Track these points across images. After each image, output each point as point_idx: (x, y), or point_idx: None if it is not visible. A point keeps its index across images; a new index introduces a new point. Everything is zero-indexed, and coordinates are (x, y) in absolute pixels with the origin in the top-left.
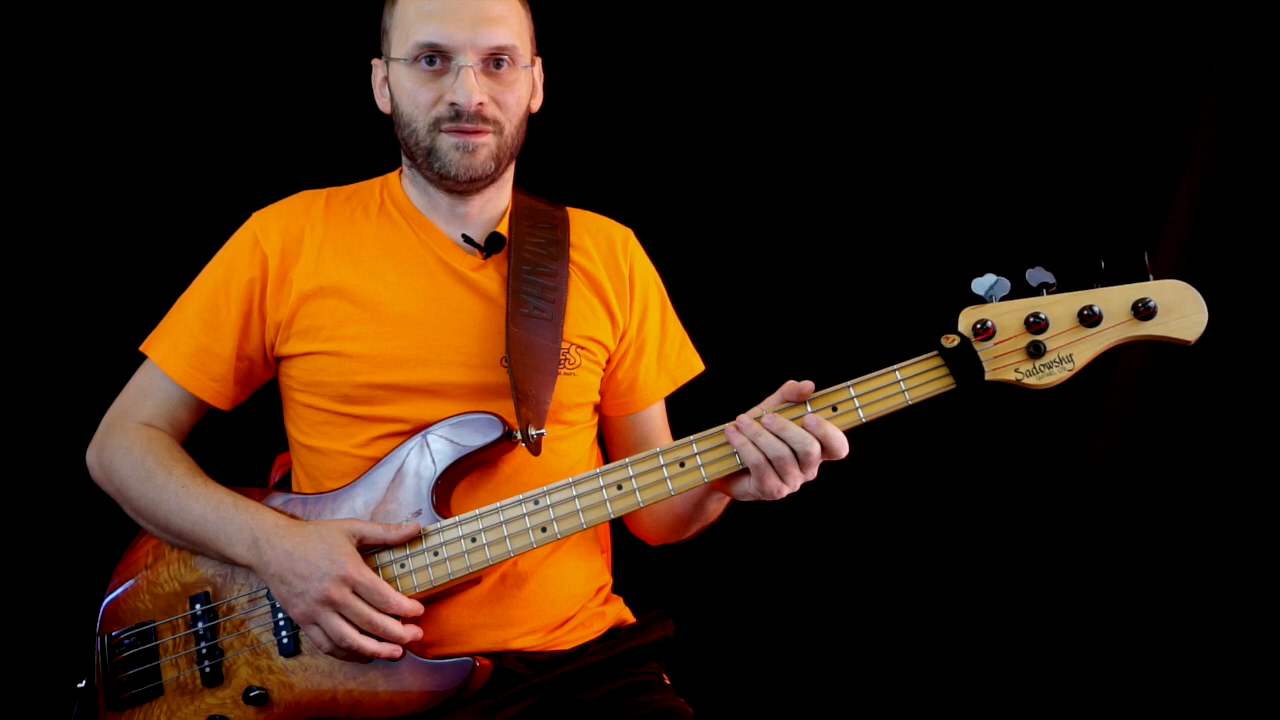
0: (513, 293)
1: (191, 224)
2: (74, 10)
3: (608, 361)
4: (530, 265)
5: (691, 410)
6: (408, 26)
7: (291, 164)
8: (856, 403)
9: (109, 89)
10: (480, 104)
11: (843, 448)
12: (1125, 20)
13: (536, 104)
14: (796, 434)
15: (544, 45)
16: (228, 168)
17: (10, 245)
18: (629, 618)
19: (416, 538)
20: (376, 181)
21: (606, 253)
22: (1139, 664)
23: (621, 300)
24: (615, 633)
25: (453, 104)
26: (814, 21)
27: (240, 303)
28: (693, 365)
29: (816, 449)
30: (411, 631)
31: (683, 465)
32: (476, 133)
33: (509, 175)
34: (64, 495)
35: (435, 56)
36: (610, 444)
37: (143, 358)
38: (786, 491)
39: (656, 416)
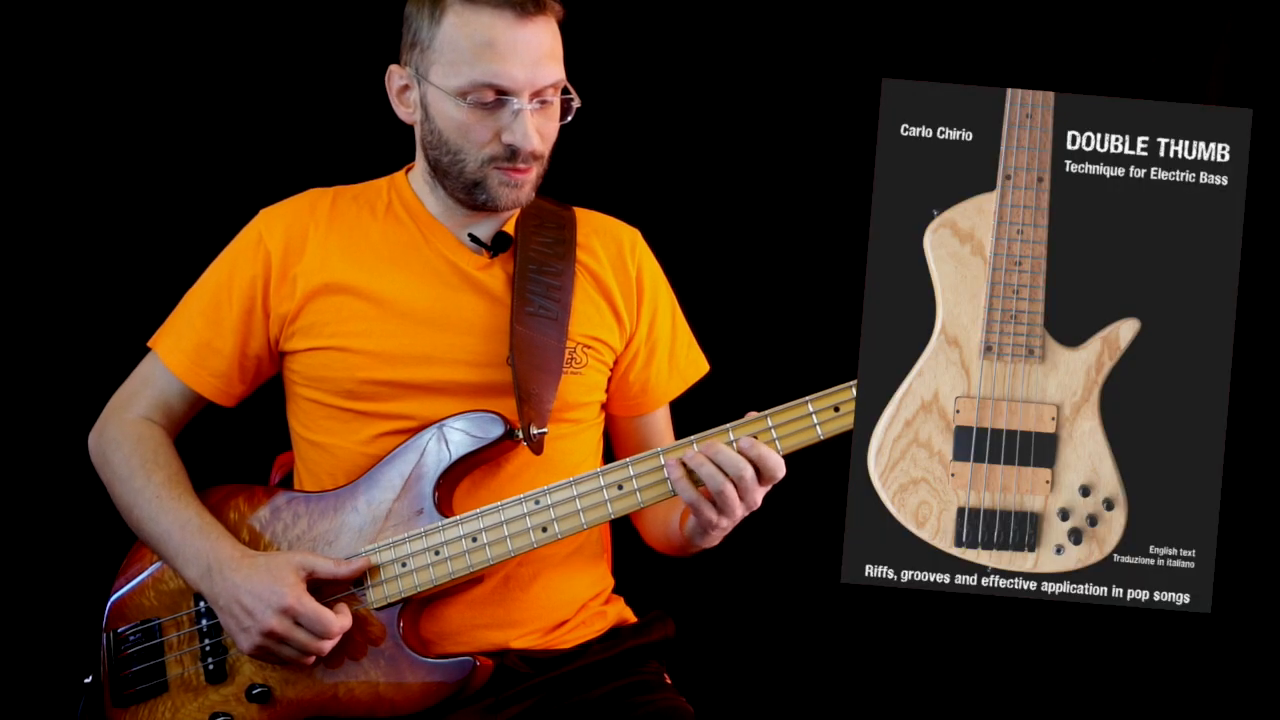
0: (518, 292)
1: (204, 221)
2: (88, 8)
3: (615, 363)
4: (536, 265)
5: (697, 411)
6: (459, 56)
7: (304, 162)
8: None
9: (125, 89)
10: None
11: (779, 469)
12: (1124, 21)
13: None
14: (729, 457)
15: None
16: (240, 165)
17: (23, 243)
18: (630, 618)
19: (366, 571)
20: (384, 181)
21: (614, 254)
22: (1136, 663)
23: (628, 302)
24: (616, 632)
25: (509, 144)
26: (824, 22)
27: (243, 299)
28: (700, 366)
29: (750, 472)
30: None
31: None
32: (527, 170)
33: None
34: (71, 492)
35: (492, 94)
36: (613, 443)
37: (148, 353)
38: (726, 523)
39: (660, 418)
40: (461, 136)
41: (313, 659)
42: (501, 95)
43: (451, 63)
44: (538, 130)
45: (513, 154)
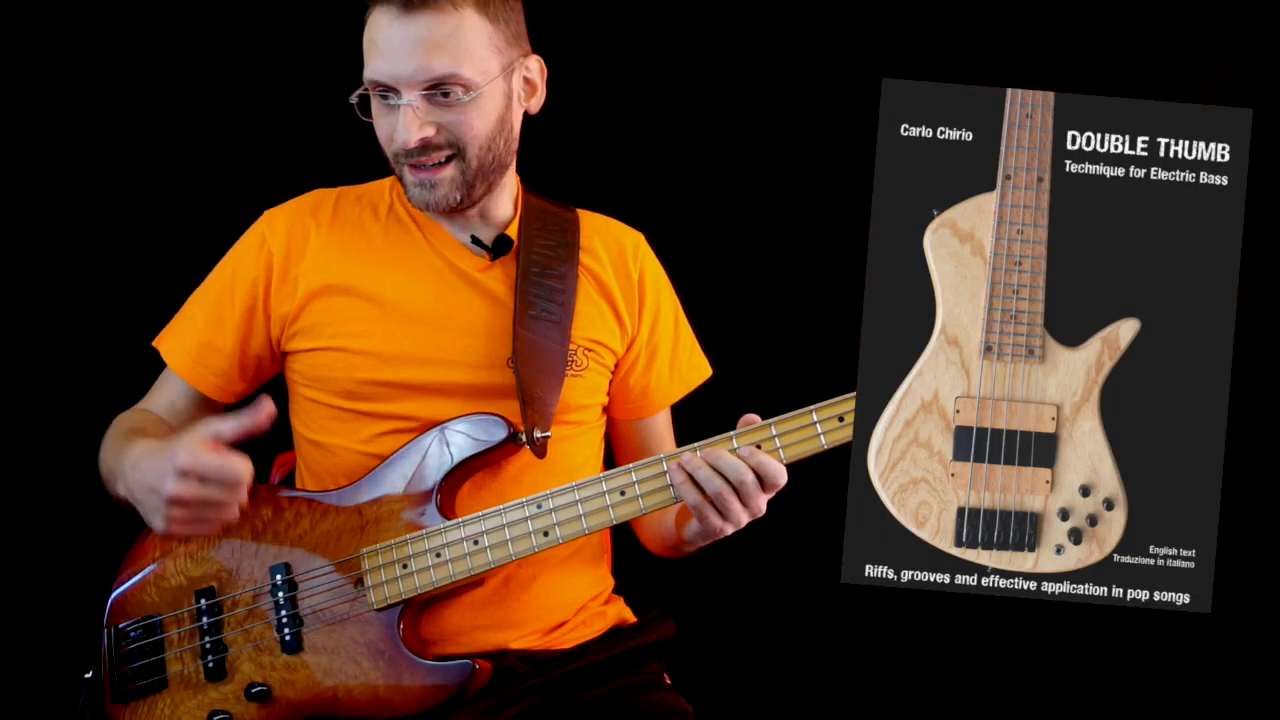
0: (520, 294)
1: (210, 223)
2: (92, 9)
3: (616, 366)
4: (539, 267)
5: (699, 415)
6: (364, 59)
7: (311, 163)
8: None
9: (131, 92)
10: (423, 139)
11: (780, 477)
12: (1124, 21)
13: (535, 105)
14: (729, 462)
15: (552, 40)
16: (248, 167)
17: (29, 245)
18: (630, 617)
19: (272, 416)
20: (386, 182)
21: (617, 257)
22: (1136, 663)
23: (630, 306)
24: (616, 632)
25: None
26: (824, 22)
27: (244, 299)
28: (702, 370)
29: (750, 478)
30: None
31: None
32: (434, 167)
33: (507, 182)
34: (74, 488)
35: (384, 90)
36: (614, 447)
37: (156, 353)
38: (730, 529)
39: (661, 422)
40: (379, 135)
41: (234, 511)
42: (386, 89)
43: (364, 64)
44: (439, 122)
45: (407, 150)
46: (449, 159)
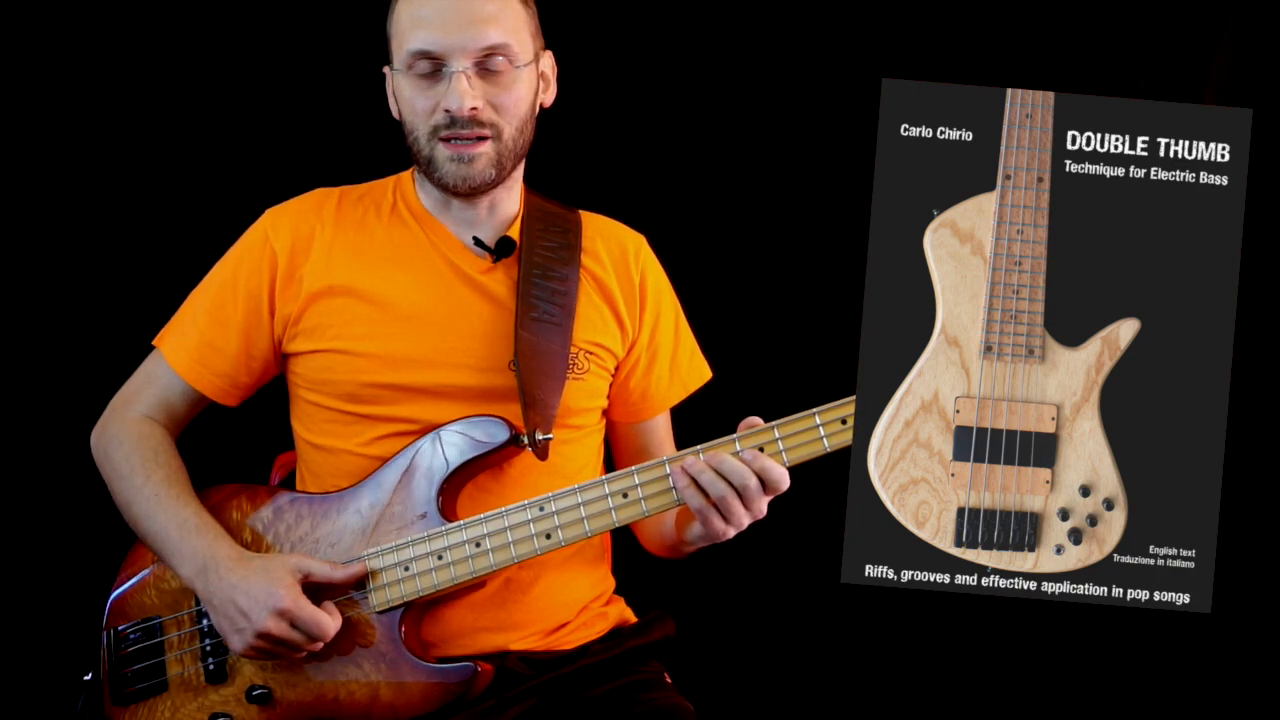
0: (522, 296)
1: (208, 219)
2: (90, 8)
3: (616, 369)
4: (541, 269)
5: (700, 416)
6: (402, 35)
7: (309, 161)
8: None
9: (129, 88)
10: (474, 109)
11: (783, 481)
12: (1124, 21)
13: (549, 99)
14: (733, 466)
15: (556, 39)
16: (245, 164)
17: (28, 241)
18: (630, 618)
19: (363, 577)
20: (389, 181)
21: (618, 259)
22: (1136, 663)
23: (631, 309)
24: (617, 632)
25: (447, 110)
26: (824, 22)
27: (247, 300)
28: (702, 373)
29: (754, 482)
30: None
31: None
32: (473, 142)
33: (518, 175)
34: (72, 489)
35: (429, 63)
36: (613, 449)
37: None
38: (733, 532)
39: (660, 425)
40: (410, 112)
41: (303, 654)
42: (433, 61)
43: (398, 42)
44: (485, 97)
45: (452, 120)
46: (487, 136)
